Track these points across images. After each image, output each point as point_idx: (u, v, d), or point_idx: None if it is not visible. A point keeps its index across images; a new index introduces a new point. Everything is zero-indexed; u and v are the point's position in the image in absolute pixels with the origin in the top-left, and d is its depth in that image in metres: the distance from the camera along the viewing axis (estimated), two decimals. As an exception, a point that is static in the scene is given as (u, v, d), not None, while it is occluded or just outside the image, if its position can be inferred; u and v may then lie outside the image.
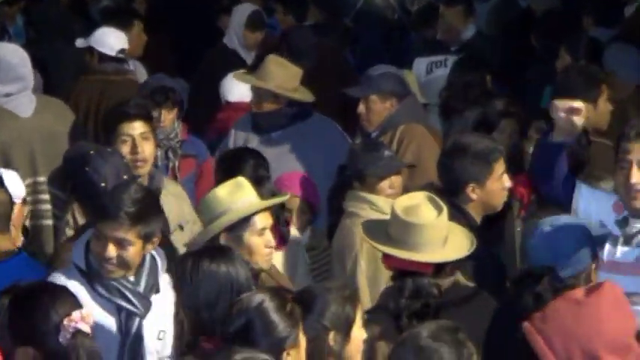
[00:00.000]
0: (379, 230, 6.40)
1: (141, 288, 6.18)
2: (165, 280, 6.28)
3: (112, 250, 6.05)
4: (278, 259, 7.32)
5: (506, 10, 13.53)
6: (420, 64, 11.27)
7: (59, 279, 6.23)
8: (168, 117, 9.02)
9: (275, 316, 5.30)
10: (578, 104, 7.14)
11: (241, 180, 6.79)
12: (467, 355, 4.89)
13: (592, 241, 6.16)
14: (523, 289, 5.67)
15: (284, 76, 9.09)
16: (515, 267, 7.43)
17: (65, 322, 5.02)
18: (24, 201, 7.27)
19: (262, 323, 5.28)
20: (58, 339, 5.01)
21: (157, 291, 6.16)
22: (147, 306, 6.13)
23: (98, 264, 6.14)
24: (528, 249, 6.26)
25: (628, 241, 6.31)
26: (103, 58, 10.35)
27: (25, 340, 5.08)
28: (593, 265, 6.09)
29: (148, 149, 7.69)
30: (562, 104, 7.16)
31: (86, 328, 5.05)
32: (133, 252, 6.09)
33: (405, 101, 9.01)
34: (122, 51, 10.39)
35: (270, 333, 5.28)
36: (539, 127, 8.10)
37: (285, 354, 5.24)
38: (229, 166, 7.73)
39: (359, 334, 5.67)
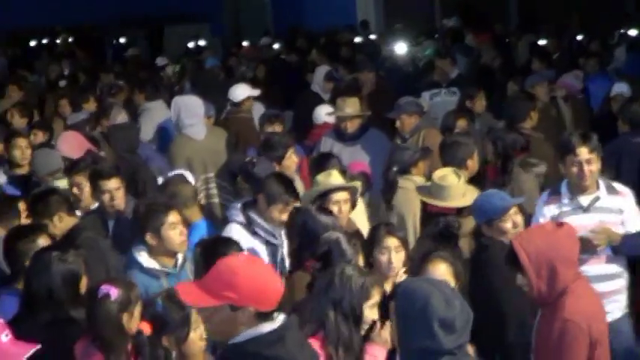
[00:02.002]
0: (426, 190, 6.47)
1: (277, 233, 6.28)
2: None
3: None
4: (360, 210, 7.10)
5: (475, 63, 13.66)
6: (425, 95, 11.33)
7: (233, 229, 6.28)
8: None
9: (345, 247, 5.26)
10: None
11: (335, 171, 6.81)
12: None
13: (503, 203, 5.80)
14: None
15: (356, 104, 8.97)
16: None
17: None
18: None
19: (337, 250, 5.24)
20: None
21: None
22: (281, 242, 6.25)
23: (270, 218, 6.23)
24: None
25: (586, 210, 5.98)
26: (230, 103, 10.40)
27: None
28: (502, 216, 5.77)
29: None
30: None
31: None
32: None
33: (424, 116, 9.11)
34: (231, 100, 10.27)
35: (341, 256, 5.21)
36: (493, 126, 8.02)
37: None
38: (320, 163, 7.58)
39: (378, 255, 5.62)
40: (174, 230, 5.63)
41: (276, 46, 17.62)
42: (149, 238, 5.63)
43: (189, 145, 8.92)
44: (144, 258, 5.64)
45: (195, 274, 5.35)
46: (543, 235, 4.69)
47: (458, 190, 6.33)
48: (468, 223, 6.22)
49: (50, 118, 11.23)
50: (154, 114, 10.51)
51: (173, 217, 5.67)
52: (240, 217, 6.34)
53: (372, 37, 18.58)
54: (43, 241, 5.31)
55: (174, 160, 8.86)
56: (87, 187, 6.88)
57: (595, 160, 5.92)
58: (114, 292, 4.50)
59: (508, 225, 5.77)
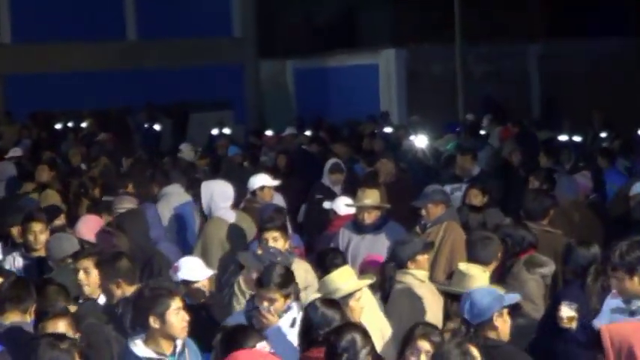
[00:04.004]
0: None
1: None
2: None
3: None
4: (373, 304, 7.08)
5: (496, 158, 13.65)
6: (447, 188, 10.82)
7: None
8: None
9: (361, 346, 5.29)
10: None
11: (347, 268, 6.79)
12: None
13: (497, 303, 5.73)
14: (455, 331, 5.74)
15: (376, 196, 9.05)
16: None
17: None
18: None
19: (352, 350, 5.27)
20: None
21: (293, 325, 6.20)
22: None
23: None
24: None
25: (633, 314, 5.83)
26: (249, 192, 10.40)
27: None
28: (495, 315, 5.71)
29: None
30: None
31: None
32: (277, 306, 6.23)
33: (448, 209, 9.00)
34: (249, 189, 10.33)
35: (355, 350, 5.28)
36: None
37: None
38: (323, 257, 7.79)
39: None
40: (177, 315, 5.68)
41: (307, 133, 17.78)
42: (152, 321, 5.65)
43: (222, 228, 9.16)
44: (139, 347, 5.66)
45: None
46: (633, 325, 5.02)
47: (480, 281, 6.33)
48: None
49: (75, 202, 11.37)
50: (172, 199, 10.61)
51: (177, 302, 5.73)
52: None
53: (393, 129, 18.51)
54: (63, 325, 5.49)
55: (209, 243, 9.05)
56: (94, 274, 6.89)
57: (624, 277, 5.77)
58: None
59: (498, 324, 5.72)
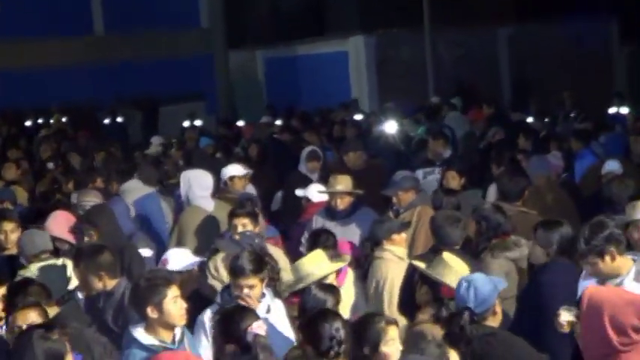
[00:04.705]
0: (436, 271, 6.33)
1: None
2: (275, 303, 6.43)
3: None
4: (349, 283, 7.34)
5: (469, 140, 13.67)
6: (419, 173, 11.27)
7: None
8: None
9: (343, 333, 5.23)
10: None
11: (319, 252, 6.82)
12: None
13: (496, 289, 5.73)
14: (454, 320, 5.61)
15: (348, 182, 9.07)
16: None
17: (249, 329, 5.33)
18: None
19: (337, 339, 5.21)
20: (247, 338, 5.31)
21: (269, 311, 6.28)
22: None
23: None
24: (456, 295, 5.80)
25: None
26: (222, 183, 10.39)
27: (228, 339, 5.35)
28: (497, 302, 5.73)
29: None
30: None
31: (262, 332, 5.36)
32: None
33: (419, 193, 9.12)
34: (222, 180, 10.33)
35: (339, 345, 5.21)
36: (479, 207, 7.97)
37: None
38: (315, 238, 7.87)
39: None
40: (175, 304, 5.70)
41: (278, 122, 17.70)
42: (150, 311, 5.67)
43: (199, 216, 9.18)
44: (142, 335, 5.69)
45: (213, 342, 5.61)
46: (611, 291, 4.93)
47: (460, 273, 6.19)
48: None
49: (48, 198, 11.23)
50: (130, 195, 10.57)
51: (174, 290, 5.74)
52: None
53: (364, 115, 18.38)
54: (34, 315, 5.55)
55: (185, 231, 9.07)
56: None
57: (597, 259, 5.71)
58: None
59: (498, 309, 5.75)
